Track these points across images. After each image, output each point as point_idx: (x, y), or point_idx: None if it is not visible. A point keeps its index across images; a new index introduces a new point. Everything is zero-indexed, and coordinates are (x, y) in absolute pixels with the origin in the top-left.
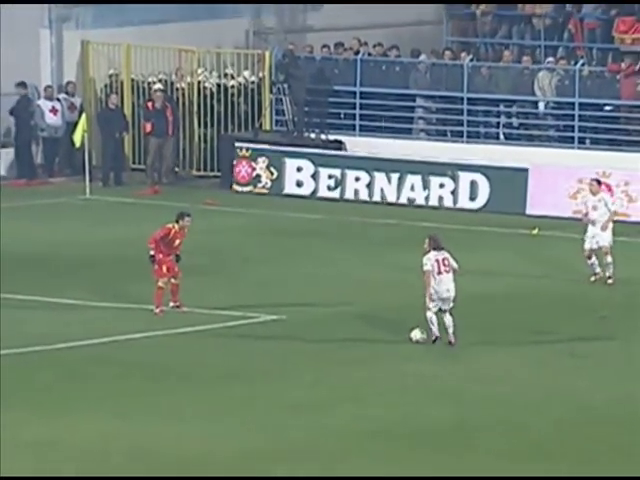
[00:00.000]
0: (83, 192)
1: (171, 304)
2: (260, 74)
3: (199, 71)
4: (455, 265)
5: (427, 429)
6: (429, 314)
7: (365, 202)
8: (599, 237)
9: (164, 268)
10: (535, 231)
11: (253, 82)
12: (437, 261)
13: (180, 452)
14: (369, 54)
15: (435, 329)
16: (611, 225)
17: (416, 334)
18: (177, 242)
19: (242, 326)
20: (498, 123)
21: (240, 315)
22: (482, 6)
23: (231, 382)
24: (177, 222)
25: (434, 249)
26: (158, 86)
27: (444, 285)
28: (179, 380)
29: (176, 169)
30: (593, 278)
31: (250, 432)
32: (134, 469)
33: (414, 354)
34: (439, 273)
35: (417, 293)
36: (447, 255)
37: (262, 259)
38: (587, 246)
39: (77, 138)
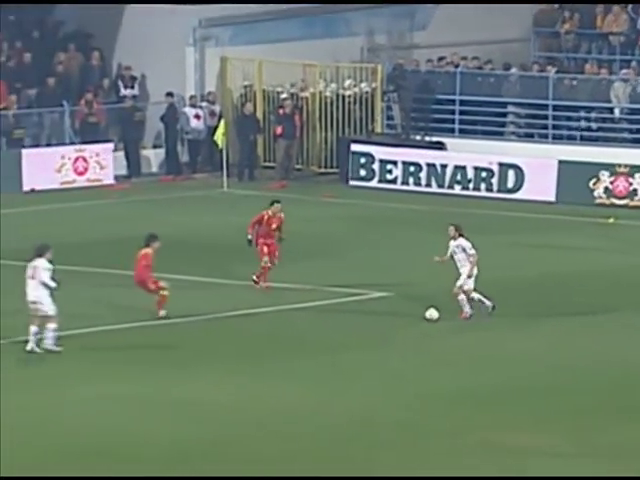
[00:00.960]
0: (221, 186)
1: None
2: (373, 85)
3: (320, 82)
4: None
5: (510, 389)
6: (475, 295)
7: (464, 196)
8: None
9: (265, 249)
10: (611, 220)
11: (367, 92)
12: None
13: (300, 408)
14: (467, 67)
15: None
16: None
17: (432, 313)
18: (273, 226)
19: (354, 302)
20: (579, 127)
21: (352, 292)
22: (566, 25)
23: (345, 351)
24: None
25: (461, 235)
26: (284, 95)
27: None
28: (300, 348)
29: (300, 167)
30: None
31: (359, 396)
32: (271, 424)
33: (495, 325)
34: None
35: (498, 274)
36: None
37: (372, 244)
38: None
39: (218, 140)
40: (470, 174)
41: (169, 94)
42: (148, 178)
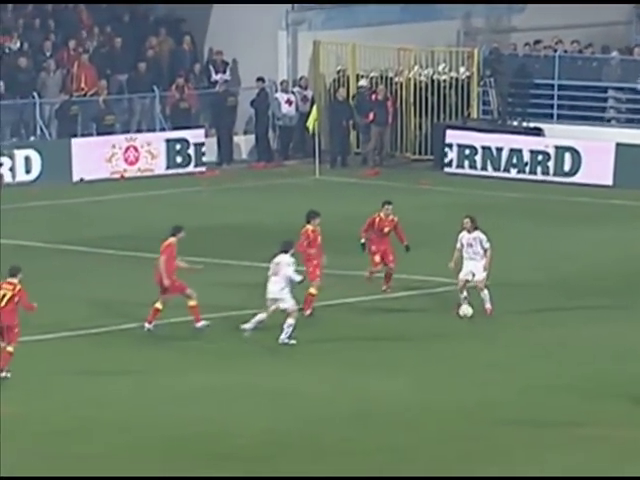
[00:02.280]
0: (313, 173)
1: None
2: (469, 70)
3: (415, 67)
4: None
5: (609, 384)
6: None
7: (560, 183)
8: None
9: (376, 258)
10: None
11: (462, 77)
12: None
13: (401, 399)
14: (565, 51)
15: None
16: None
17: (466, 310)
18: (386, 229)
19: (447, 292)
20: None
21: (445, 282)
22: None
23: (436, 341)
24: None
25: (476, 228)
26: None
27: None
28: (399, 338)
29: (394, 153)
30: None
31: (461, 387)
32: (358, 413)
33: (594, 317)
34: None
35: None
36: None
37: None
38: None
39: (310, 126)
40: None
41: (260, 79)
42: (239, 165)
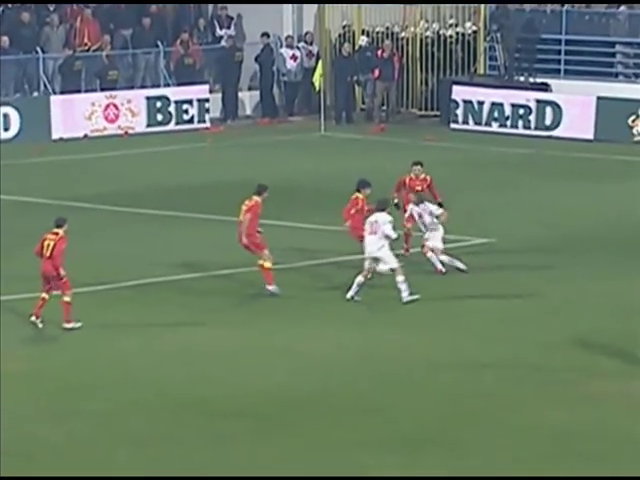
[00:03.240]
0: (318, 129)
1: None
2: (476, 25)
3: (421, 22)
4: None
5: (616, 340)
6: (446, 257)
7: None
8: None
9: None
10: None
11: (469, 32)
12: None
13: (404, 357)
14: (573, 5)
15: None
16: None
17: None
18: (418, 188)
19: (457, 248)
20: None
21: (453, 239)
22: None
23: (445, 299)
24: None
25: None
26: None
27: None
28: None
29: (400, 109)
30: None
31: (460, 343)
32: (363, 370)
33: (600, 274)
34: None
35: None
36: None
37: (474, 189)
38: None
39: (316, 82)
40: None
41: (265, 34)
42: (244, 121)
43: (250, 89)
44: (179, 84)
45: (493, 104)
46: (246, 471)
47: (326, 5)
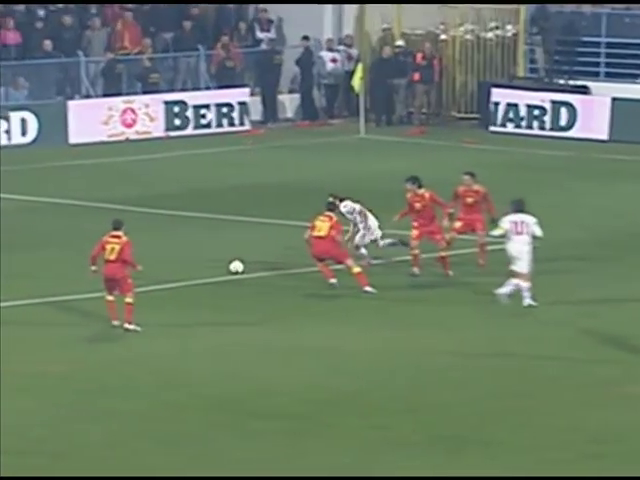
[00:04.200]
0: (358, 132)
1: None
2: (515, 27)
3: (462, 25)
4: None
5: None
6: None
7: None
8: None
9: (456, 224)
10: None
11: (509, 34)
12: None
13: (442, 357)
14: (613, 8)
15: None
16: None
17: (236, 266)
18: (469, 200)
19: (494, 251)
20: None
21: (492, 241)
22: None
23: (484, 299)
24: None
25: (341, 200)
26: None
27: None
28: (442, 296)
29: (440, 112)
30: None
31: (499, 343)
32: (406, 371)
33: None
34: None
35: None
36: None
37: (514, 191)
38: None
39: (355, 84)
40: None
41: (305, 37)
42: (283, 124)
43: (290, 92)
44: (220, 87)
45: (532, 107)
46: (277, 471)
47: (366, 8)
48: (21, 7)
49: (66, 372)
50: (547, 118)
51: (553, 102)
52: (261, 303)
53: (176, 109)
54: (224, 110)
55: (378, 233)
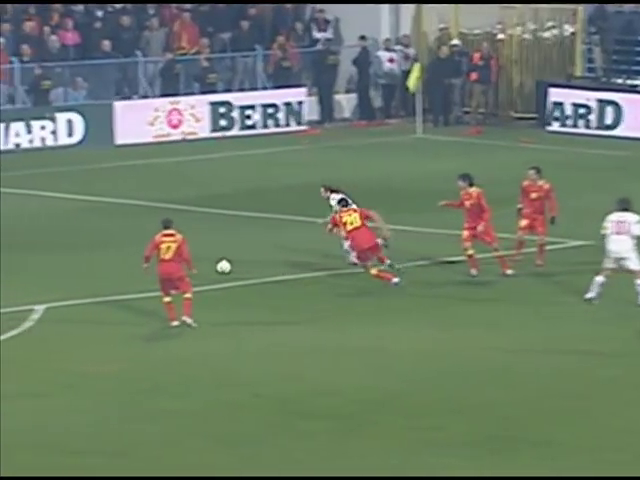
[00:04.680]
0: (415, 132)
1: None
2: (573, 27)
3: (519, 25)
4: None
5: None
6: None
7: None
8: None
9: (522, 222)
10: None
11: (566, 34)
12: None
13: (493, 358)
14: None
15: None
16: None
17: (223, 266)
18: (533, 195)
19: (552, 251)
20: None
21: (550, 241)
22: None
23: (535, 299)
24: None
25: (333, 191)
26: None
27: None
28: (493, 296)
29: (497, 112)
30: None
31: (549, 343)
32: (456, 371)
33: None
34: None
35: None
36: None
37: (571, 191)
38: None
39: (412, 84)
40: None
41: (362, 37)
42: (340, 123)
43: (347, 92)
44: (276, 87)
45: (590, 106)
46: (327, 471)
47: (423, 8)
48: (80, 8)
49: (123, 371)
50: (605, 118)
51: (611, 102)
52: (310, 303)
53: (222, 109)
54: (281, 109)
55: None
